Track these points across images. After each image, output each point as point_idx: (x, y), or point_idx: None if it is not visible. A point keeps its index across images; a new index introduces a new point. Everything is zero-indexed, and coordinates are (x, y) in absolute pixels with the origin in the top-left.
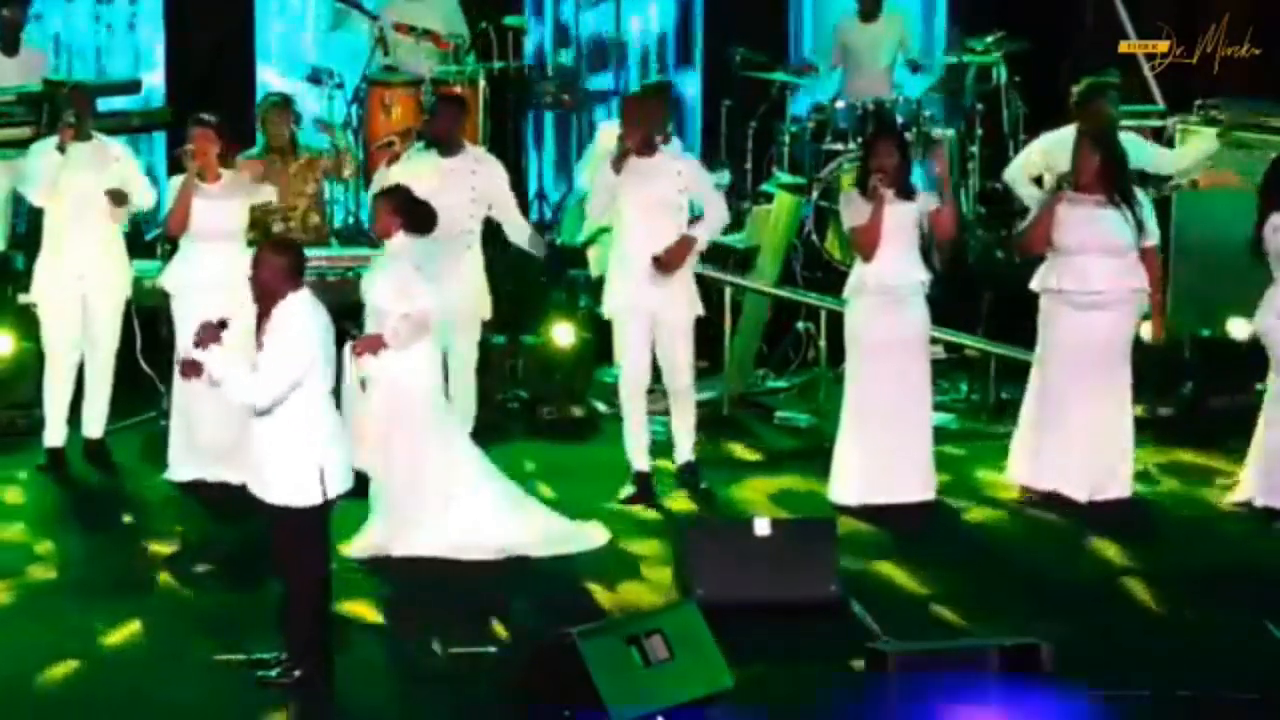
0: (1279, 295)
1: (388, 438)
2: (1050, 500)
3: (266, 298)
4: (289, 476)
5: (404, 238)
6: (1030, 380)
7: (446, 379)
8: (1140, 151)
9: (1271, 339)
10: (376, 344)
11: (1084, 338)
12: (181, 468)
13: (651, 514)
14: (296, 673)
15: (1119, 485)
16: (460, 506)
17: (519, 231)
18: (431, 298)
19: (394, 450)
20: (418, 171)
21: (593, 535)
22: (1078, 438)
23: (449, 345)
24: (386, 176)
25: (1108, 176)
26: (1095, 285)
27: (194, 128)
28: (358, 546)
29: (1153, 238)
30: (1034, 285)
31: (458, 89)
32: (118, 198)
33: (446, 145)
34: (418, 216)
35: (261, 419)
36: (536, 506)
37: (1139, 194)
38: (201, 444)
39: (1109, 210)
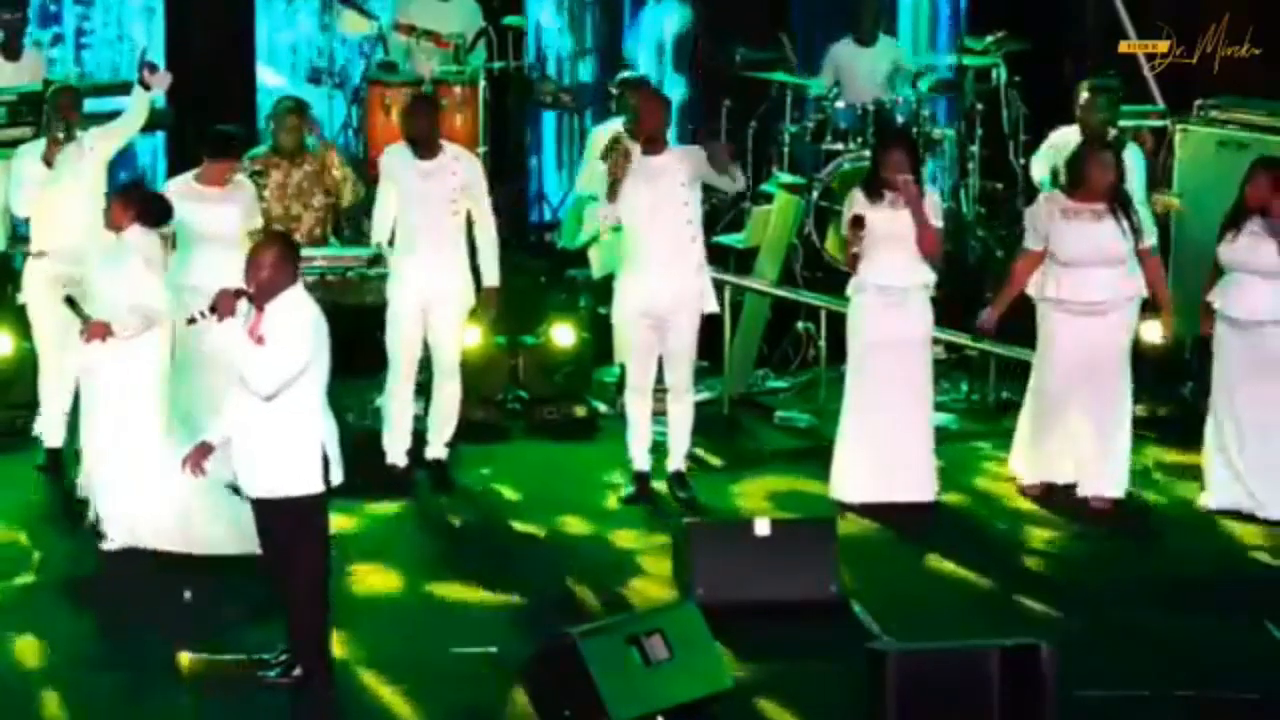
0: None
1: (115, 429)
2: (1047, 497)
3: (265, 293)
4: (295, 467)
5: (138, 231)
6: (1031, 382)
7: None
8: (1138, 174)
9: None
10: (104, 331)
11: (1082, 345)
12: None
13: (651, 514)
14: (297, 671)
15: (1114, 487)
16: (182, 503)
17: (487, 238)
18: (161, 293)
19: (120, 441)
20: (399, 174)
21: None
22: (1077, 441)
23: (434, 344)
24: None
25: (1113, 186)
26: (1094, 296)
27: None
28: (117, 536)
29: (1150, 238)
30: (1031, 292)
31: (457, 89)
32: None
33: (425, 146)
34: (151, 209)
35: (265, 415)
36: (241, 505)
37: (1132, 197)
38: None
39: (1107, 221)
